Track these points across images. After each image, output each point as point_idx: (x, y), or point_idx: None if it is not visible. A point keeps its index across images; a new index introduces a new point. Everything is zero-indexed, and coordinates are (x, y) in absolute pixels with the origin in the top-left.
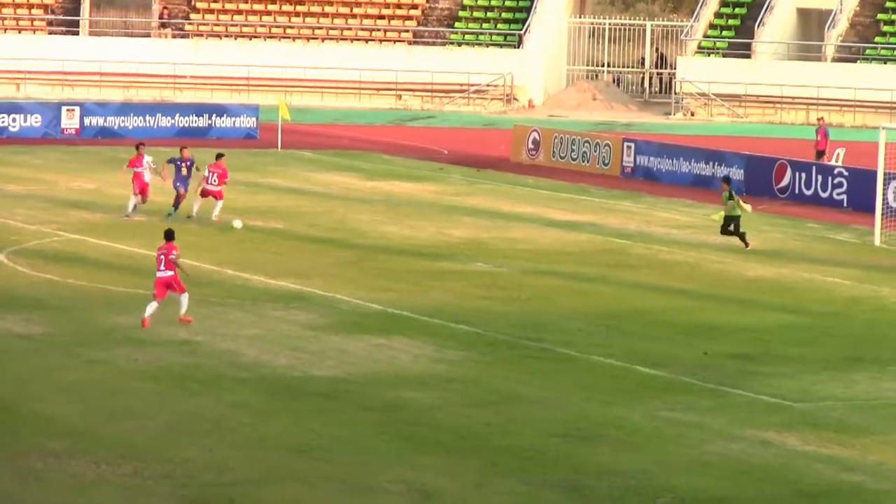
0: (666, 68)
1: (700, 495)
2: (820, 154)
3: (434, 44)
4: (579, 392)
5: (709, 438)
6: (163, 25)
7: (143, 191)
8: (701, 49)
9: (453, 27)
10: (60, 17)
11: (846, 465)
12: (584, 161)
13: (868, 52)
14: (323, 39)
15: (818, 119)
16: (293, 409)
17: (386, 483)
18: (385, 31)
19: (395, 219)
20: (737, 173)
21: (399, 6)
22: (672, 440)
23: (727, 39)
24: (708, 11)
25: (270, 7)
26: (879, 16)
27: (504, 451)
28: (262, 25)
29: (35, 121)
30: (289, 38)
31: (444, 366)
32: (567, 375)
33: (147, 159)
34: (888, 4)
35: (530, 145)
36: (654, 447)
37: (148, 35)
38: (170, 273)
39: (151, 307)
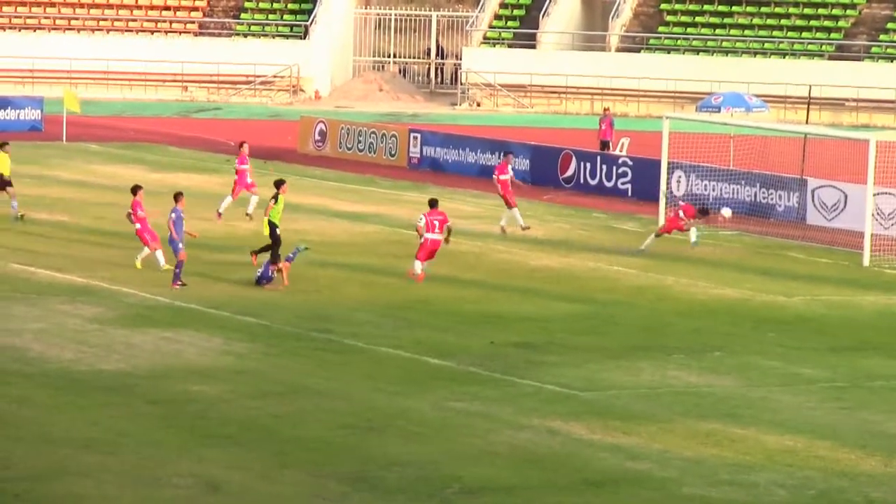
0: (451, 59)
1: (488, 484)
2: (605, 144)
3: (220, 35)
4: (367, 383)
5: (496, 428)
6: None
7: None
8: (486, 40)
9: (239, 18)
10: None
11: (631, 453)
12: (370, 152)
13: (652, 41)
14: (108, 31)
15: (604, 109)
16: (79, 404)
17: (174, 476)
18: (171, 22)
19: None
20: (523, 163)
21: None
22: (460, 430)
23: (512, 30)
24: (493, 2)
25: None
26: (663, 6)
27: (292, 442)
28: (46, 17)
29: None
30: (73, 29)
31: (232, 358)
32: (355, 367)
33: None
34: None
35: (317, 136)
36: (441, 437)
37: None
38: None
39: None
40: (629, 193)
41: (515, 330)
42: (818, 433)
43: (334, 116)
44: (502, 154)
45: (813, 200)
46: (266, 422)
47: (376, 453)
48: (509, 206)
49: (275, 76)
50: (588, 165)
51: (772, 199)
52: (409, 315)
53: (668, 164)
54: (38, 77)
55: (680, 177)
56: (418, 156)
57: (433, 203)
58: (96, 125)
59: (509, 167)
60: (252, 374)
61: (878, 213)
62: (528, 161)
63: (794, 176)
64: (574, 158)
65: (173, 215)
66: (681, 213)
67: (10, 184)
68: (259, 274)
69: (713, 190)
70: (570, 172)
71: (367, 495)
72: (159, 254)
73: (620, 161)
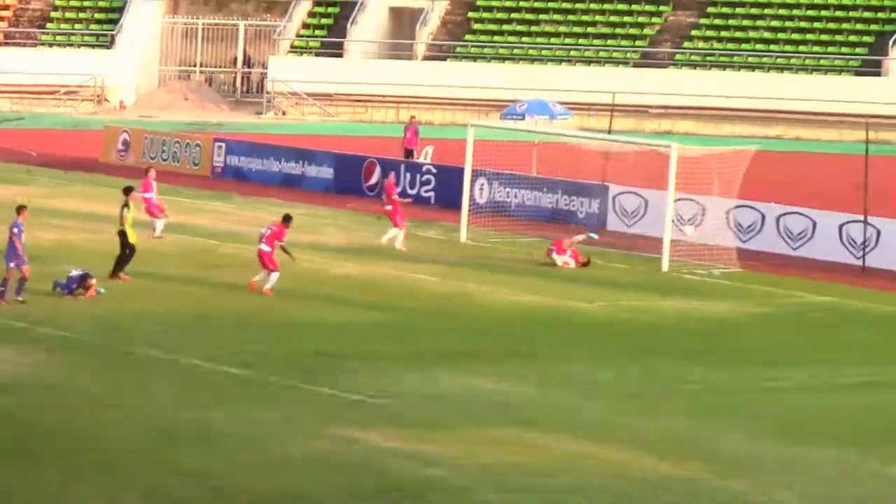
0: (258, 68)
1: (283, 493)
2: (409, 153)
3: (25, 45)
4: (167, 394)
5: (294, 437)
6: None
7: None
8: (294, 49)
9: (45, 28)
10: None
11: (428, 460)
12: (174, 161)
13: (458, 49)
14: None
15: (410, 117)
16: None
17: None
18: None
19: None
20: (326, 172)
21: None
22: (258, 440)
23: (320, 39)
24: (301, 11)
25: None
26: (470, 14)
27: (89, 455)
28: None
29: None
30: None
31: (28, 370)
32: (154, 378)
33: None
34: (478, 3)
35: (120, 146)
36: (240, 447)
37: None
38: None
39: None
40: (432, 201)
41: (316, 338)
42: (616, 438)
43: (138, 126)
44: (384, 175)
45: (614, 207)
46: (64, 434)
47: (174, 465)
48: (396, 226)
49: (79, 86)
50: (392, 174)
51: (573, 205)
52: (209, 325)
53: (472, 171)
54: None
55: (483, 184)
56: (222, 165)
57: (287, 218)
58: None
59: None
60: (49, 387)
61: (678, 219)
62: (331, 170)
63: (596, 182)
64: (378, 167)
65: (15, 229)
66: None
67: None
68: (62, 282)
69: (515, 197)
70: (373, 180)
71: None
72: None
73: (424, 169)
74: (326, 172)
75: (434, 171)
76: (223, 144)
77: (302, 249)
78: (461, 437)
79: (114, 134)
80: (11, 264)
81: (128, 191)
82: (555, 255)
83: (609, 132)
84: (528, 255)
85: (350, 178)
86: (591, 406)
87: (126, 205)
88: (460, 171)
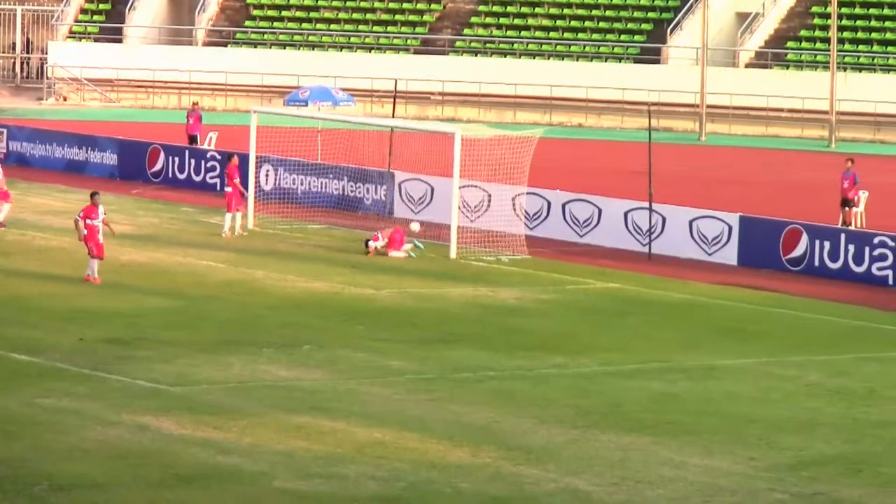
0: (36, 53)
1: (78, 481)
2: (192, 139)
3: None
4: None
5: (86, 424)
6: None
7: None
8: (73, 34)
9: None
10: None
11: (222, 447)
12: None
13: (238, 36)
14: None
15: (193, 104)
16: None
17: None
18: None
19: None
20: (110, 158)
21: None
22: (49, 427)
23: (98, 24)
24: None
25: None
26: (249, 0)
27: None
28: None
29: None
30: None
31: None
32: None
33: None
34: None
35: None
36: (30, 434)
37: None
38: None
39: None
40: (217, 188)
41: (105, 325)
42: (407, 425)
43: None
44: (226, 158)
45: (400, 193)
46: None
47: None
48: (230, 210)
49: None
50: (176, 160)
51: (360, 192)
52: None
53: (257, 158)
54: None
55: (269, 171)
56: (5, 151)
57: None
58: None
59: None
60: None
61: (464, 206)
62: (115, 156)
63: (382, 169)
64: (162, 153)
65: None
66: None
67: None
68: None
69: (302, 184)
70: (158, 167)
71: None
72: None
73: (209, 155)
74: (111, 158)
75: (219, 157)
76: (4, 130)
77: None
78: (256, 424)
79: None
80: None
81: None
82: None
83: (392, 118)
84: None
85: (134, 164)
86: (381, 393)
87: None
88: (245, 157)
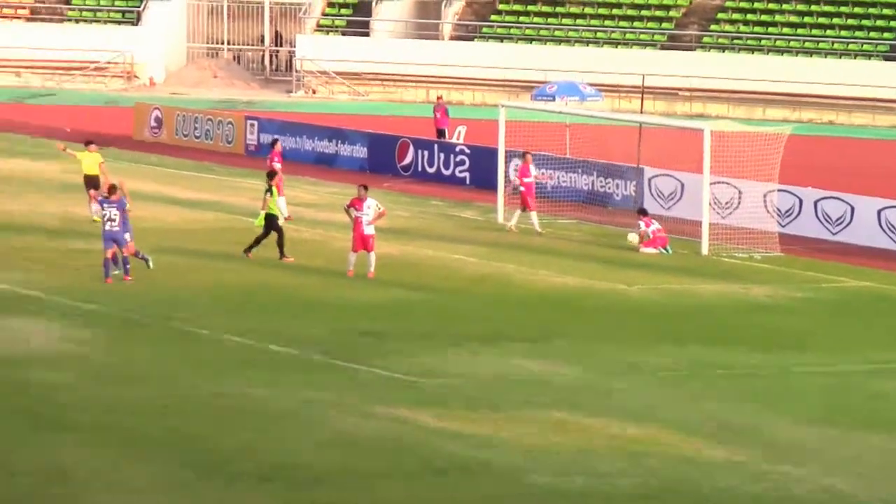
0: (286, 46)
1: (336, 471)
2: (441, 133)
3: (52, 20)
4: (212, 371)
5: (344, 416)
6: None
7: None
8: (320, 27)
9: (70, 4)
10: None
11: (476, 441)
12: (207, 139)
13: (485, 30)
14: None
15: (438, 98)
16: None
17: (20, 463)
18: (1, 6)
19: (18, 198)
20: (359, 151)
21: None
22: (307, 418)
23: (346, 17)
24: None
25: None
26: None
27: (136, 430)
28: None
29: None
30: None
31: (73, 345)
32: (198, 354)
33: None
34: None
35: (153, 123)
36: (289, 425)
37: None
38: None
39: None
40: (467, 181)
41: (359, 317)
42: (661, 421)
43: (170, 103)
44: (520, 156)
45: (650, 189)
46: (112, 409)
47: (224, 442)
48: (527, 209)
49: (108, 62)
50: (426, 153)
51: (609, 187)
52: (251, 302)
53: (506, 152)
54: None
55: (517, 165)
56: (255, 143)
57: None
58: None
59: (531, 168)
60: (93, 362)
61: (714, 203)
62: (365, 149)
63: (631, 165)
64: (412, 146)
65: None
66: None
67: (96, 185)
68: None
69: (550, 179)
70: (407, 160)
71: (216, 483)
72: None
73: (458, 149)
74: (360, 152)
75: (468, 151)
76: (255, 122)
77: (337, 230)
78: (509, 419)
79: (145, 111)
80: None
81: (272, 175)
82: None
83: (640, 114)
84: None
85: (384, 157)
86: (634, 389)
87: (269, 189)
88: (494, 151)
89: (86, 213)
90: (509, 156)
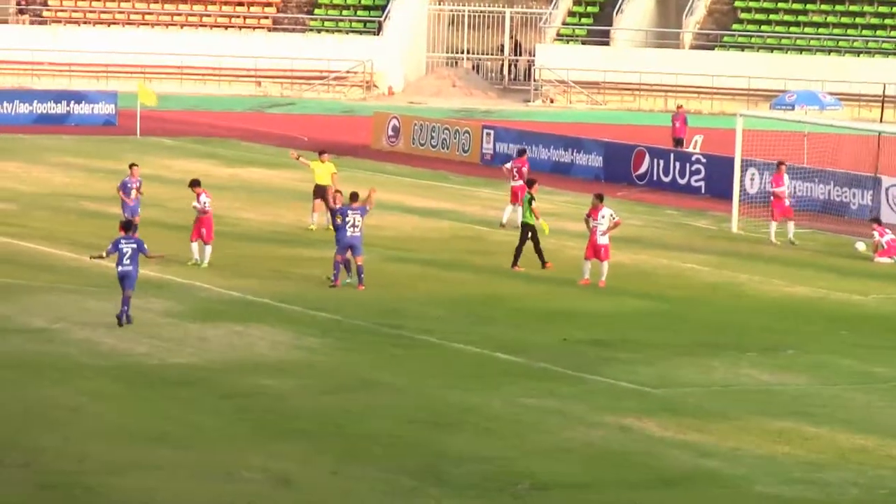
0: (525, 55)
1: (559, 480)
2: (678, 142)
3: (293, 30)
4: (438, 379)
5: (568, 424)
6: (20, 11)
7: None
8: (560, 36)
9: (312, 14)
10: None
11: (704, 450)
12: (443, 148)
13: (725, 39)
14: (182, 25)
15: (678, 107)
16: (151, 397)
17: (244, 470)
18: (244, 17)
19: (254, 206)
20: (595, 160)
21: None
22: (531, 426)
23: (586, 27)
24: None
25: None
26: (737, 3)
27: (362, 437)
28: (120, 11)
29: None
30: (147, 24)
31: (303, 353)
32: (426, 362)
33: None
34: None
35: (390, 132)
36: (513, 433)
37: (6, 21)
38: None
39: None
40: (702, 191)
41: (588, 326)
42: (891, 432)
43: (407, 112)
44: (775, 166)
45: (887, 199)
46: (336, 416)
47: (447, 449)
48: (780, 218)
49: (348, 72)
50: (661, 162)
51: (846, 197)
52: (480, 311)
53: (742, 161)
54: (112, 71)
55: (753, 174)
56: (491, 152)
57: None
58: (170, 119)
59: (785, 177)
60: (323, 369)
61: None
62: (600, 158)
63: (868, 174)
64: (647, 155)
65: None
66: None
67: (324, 196)
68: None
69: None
70: (643, 169)
71: (436, 490)
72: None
73: (694, 158)
74: (596, 160)
75: (703, 160)
76: (492, 131)
77: (570, 237)
78: (737, 428)
79: (383, 120)
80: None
81: (531, 184)
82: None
83: (880, 123)
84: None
85: (619, 166)
86: (865, 399)
87: (532, 197)
88: (730, 160)
89: (321, 221)
90: (745, 165)
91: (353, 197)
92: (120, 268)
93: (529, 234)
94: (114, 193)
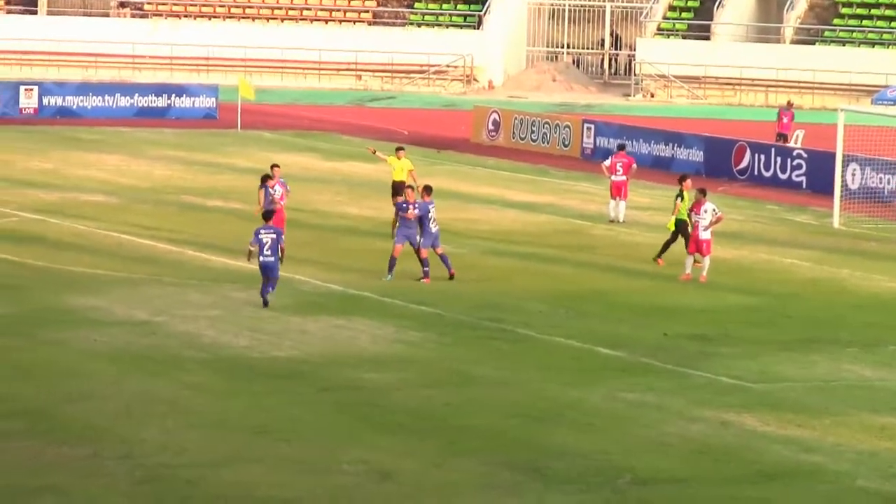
0: (624, 49)
1: (659, 475)
2: (782, 137)
3: (394, 24)
4: (538, 373)
5: (668, 419)
6: (121, 5)
7: None
8: (660, 31)
9: (413, 7)
10: None
11: (805, 445)
12: (544, 142)
13: (826, 34)
14: (282, 19)
15: (788, 102)
16: (252, 391)
17: (345, 463)
18: (345, 11)
19: (354, 199)
20: (696, 155)
21: None
22: (631, 421)
23: (686, 21)
24: None
25: None
26: None
27: (463, 431)
28: (221, 5)
29: None
30: (248, 17)
31: (404, 346)
32: (526, 356)
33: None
34: None
35: (490, 126)
36: (613, 428)
37: (107, 14)
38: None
39: None
40: (804, 186)
41: (688, 321)
42: None
43: (507, 106)
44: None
45: None
46: (437, 410)
47: (548, 443)
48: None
49: (448, 66)
50: (762, 157)
51: None
52: (580, 305)
53: (843, 156)
54: (213, 65)
55: (855, 170)
56: (592, 146)
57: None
58: (270, 113)
59: None
60: (423, 363)
61: None
62: (701, 153)
63: None
64: (748, 150)
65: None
66: None
67: (399, 192)
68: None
69: (888, 183)
70: (744, 164)
71: (538, 485)
72: None
73: (795, 153)
74: (696, 155)
75: (805, 155)
76: (592, 126)
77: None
78: (838, 423)
79: (483, 114)
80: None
81: (683, 178)
82: None
83: None
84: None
85: (720, 161)
86: None
87: (680, 194)
88: (831, 155)
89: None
90: (847, 160)
91: (427, 190)
92: (261, 258)
93: (683, 230)
94: (212, 185)
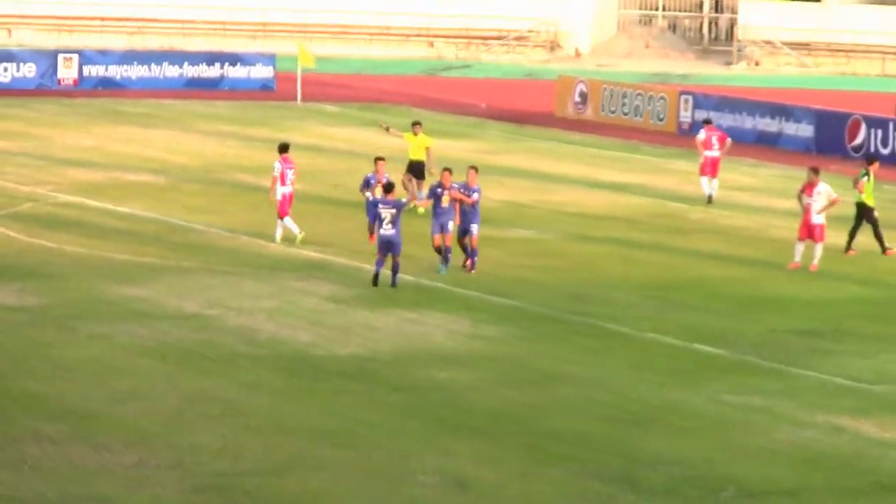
0: (726, 13)
1: (767, 487)
2: None
3: None
4: (630, 372)
5: (776, 424)
6: None
7: None
8: None
9: None
10: None
11: None
12: (636, 116)
13: None
14: None
15: None
16: (315, 391)
17: (418, 472)
18: None
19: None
20: (805, 130)
21: None
22: (735, 426)
23: None
24: None
25: None
26: None
27: (547, 436)
28: None
29: (29, 70)
30: None
31: (481, 342)
32: (616, 354)
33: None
34: None
35: (577, 98)
36: (715, 434)
37: None
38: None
39: None
40: None
41: (797, 315)
42: None
43: (596, 76)
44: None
45: None
46: (519, 413)
47: (641, 450)
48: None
49: (530, 31)
50: (879, 132)
51: None
52: (675, 296)
53: None
54: (269, 31)
55: None
56: (689, 121)
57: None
58: (333, 84)
59: None
60: (503, 360)
61: None
62: (811, 127)
63: None
64: (864, 124)
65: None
66: None
67: (421, 174)
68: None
69: None
70: (859, 140)
71: (631, 496)
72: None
73: None
74: (806, 130)
75: None
76: (690, 98)
77: (776, 216)
78: None
79: (569, 85)
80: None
81: (871, 160)
82: None
83: None
84: None
85: (833, 136)
86: None
87: (866, 173)
88: None
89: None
90: None
91: (448, 173)
92: (381, 231)
93: (865, 216)
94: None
